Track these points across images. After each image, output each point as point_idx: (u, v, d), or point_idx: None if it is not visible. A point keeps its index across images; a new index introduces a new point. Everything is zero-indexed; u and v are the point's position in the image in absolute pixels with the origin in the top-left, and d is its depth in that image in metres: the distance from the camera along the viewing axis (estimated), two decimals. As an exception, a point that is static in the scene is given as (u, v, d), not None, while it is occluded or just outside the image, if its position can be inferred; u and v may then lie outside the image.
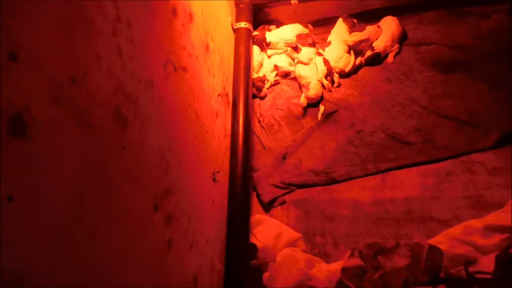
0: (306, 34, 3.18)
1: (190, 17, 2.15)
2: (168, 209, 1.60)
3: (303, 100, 2.97)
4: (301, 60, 3.07)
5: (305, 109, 2.97)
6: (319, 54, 3.11)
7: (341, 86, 3.05)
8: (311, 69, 3.03)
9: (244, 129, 2.59)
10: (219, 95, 2.52)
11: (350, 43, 3.08)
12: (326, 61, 3.04)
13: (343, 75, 3.08)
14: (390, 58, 3.07)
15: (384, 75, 3.02)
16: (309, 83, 2.97)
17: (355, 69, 3.07)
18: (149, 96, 1.55)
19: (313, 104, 2.99)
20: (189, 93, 2.01)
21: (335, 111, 2.92)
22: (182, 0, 2.05)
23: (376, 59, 3.07)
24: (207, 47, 2.39)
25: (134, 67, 1.44)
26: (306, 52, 3.10)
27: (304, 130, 2.88)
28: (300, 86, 3.06)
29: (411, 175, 2.56)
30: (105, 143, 1.22)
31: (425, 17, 3.21)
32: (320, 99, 2.98)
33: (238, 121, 2.61)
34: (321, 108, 2.91)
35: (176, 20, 1.90)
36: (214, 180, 2.21)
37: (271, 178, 2.75)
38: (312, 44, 3.13)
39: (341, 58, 3.04)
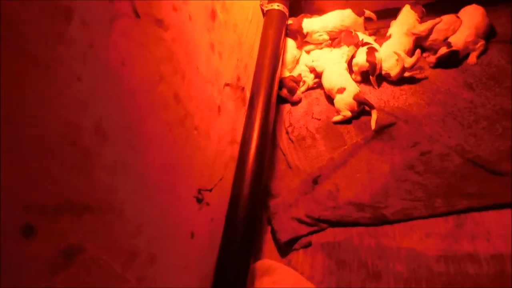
0: (349, 32, 2.45)
1: (186, -39, 1.49)
2: (72, 239, 0.87)
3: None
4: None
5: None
6: (365, 44, 2.38)
7: (403, 92, 2.24)
8: (338, 76, 2.28)
9: (261, 136, 1.84)
10: (227, 84, 1.81)
11: (423, 32, 2.29)
12: (370, 53, 2.27)
13: (390, 80, 2.30)
14: (472, 59, 2.24)
15: (463, 79, 2.19)
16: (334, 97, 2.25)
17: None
18: (57, 32, 0.86)
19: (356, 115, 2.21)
20: (165, 61, 1.31)
21: (391, 124, 2.11)
22: None
23: (453, 59, 2.25)
24: (213, 13, 1.70)
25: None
26: (335, 53, 2.40)
27: (346, 147, 2.09)
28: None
29: (503, 221, 1.68)
30: None
31: (522, 9, 2.38)
32: (361, 111, 2.21)
33: (253, 124, 1.87)
34: (374, 115, 2.11)
35: None
36: (199, 200, 1.47)
37: (294, 209, 1.96)
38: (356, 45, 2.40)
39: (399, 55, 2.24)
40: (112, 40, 1.05)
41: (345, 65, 2.31)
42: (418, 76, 2.25)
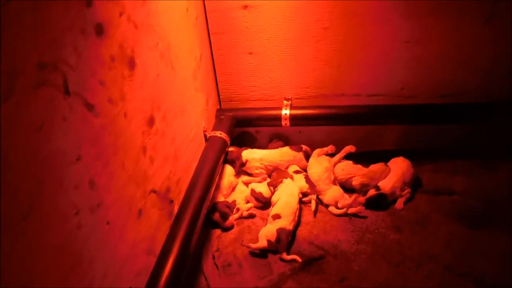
0: (280, 170, 2.60)
1: (133, 65, 1.57)
2: None
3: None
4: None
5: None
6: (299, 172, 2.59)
7: (333, 228, 2.25)
8: (287, 206, 2.27)
9: (181, 253, 1.73)
10: (154, 191, 1.75)
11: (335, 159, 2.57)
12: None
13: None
14: (399, 204, 2.34)
15: (392, 222, 2.25)
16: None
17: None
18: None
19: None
20: (88, 144, 1.27)
21: (320, 258, 2.06)
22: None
23: (381, 202, 2.34)
24: (152, 120, 1.74)
25: None
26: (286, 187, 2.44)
27: (272, 277, 1.98)
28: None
29: None
30: None
31: (443, 166, 2.61)
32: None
33: (174, 240, 1.77)
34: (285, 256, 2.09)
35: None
36: (95, 305, 1.28)
37: None
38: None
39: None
40: (32, 104, 1.02)
41: (297, 197, 2.34)
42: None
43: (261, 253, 2.11)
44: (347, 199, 2.35)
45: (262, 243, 2.09)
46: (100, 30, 1.35)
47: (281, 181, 2.44)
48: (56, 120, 1.12)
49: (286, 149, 2.65)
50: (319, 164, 2.49)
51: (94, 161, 1.31)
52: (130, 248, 1.53)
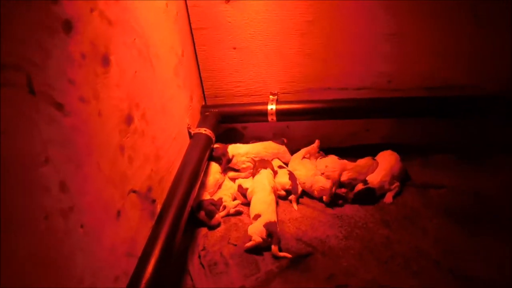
0: (263, 159, 2.58)
1: (108, 62, 1.52)
2: None
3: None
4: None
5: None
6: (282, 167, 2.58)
7: (321, 224, 2.21)
8: (263, 203, 2.25)
9: (163, 253, 1.69)
10: (134, 191, 1.70)
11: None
12: (291, 174, 2.52)
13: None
14: (388, 198, 2.31)
15: (380, 217, 2.22)
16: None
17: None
18: None
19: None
20: (57, 145, 1.22)
21: (308, 254, 2.03)
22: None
23: (370, 197, 2.32)
24: (130, 118, 1.69)
25: None
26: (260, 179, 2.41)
27: (259, 275, 1.94)
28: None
29: None
30: None
31: (432, 160, 2.59)
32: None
33: (156, 240, 1.73)
34: (273, 248, 2.06)
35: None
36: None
37: None
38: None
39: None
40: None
41: (270, 188, 2.30)
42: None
43: (248, 251, 2.07)
44: (327, 182, 2.33)
45: (256, 239, 2.05)
46: (68, 26, 1.30)
47: (258, 171, 2.43)
48: (19, 121, 1.07)
49: (269, 142, 2.66)
50: (303, 166, 2.49)
51: (65, 163, 1.26)
52: (109, 251, 1.48)
